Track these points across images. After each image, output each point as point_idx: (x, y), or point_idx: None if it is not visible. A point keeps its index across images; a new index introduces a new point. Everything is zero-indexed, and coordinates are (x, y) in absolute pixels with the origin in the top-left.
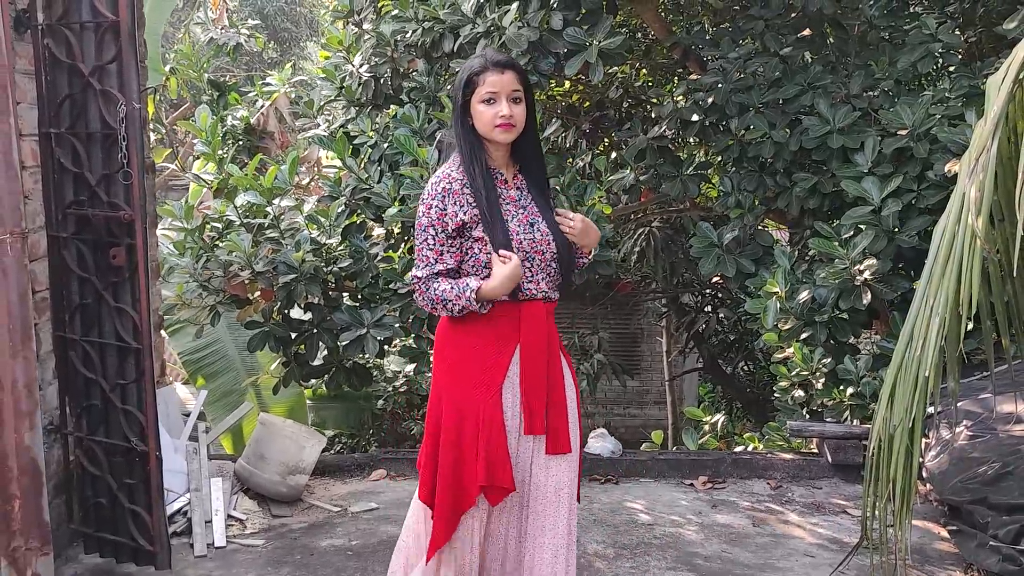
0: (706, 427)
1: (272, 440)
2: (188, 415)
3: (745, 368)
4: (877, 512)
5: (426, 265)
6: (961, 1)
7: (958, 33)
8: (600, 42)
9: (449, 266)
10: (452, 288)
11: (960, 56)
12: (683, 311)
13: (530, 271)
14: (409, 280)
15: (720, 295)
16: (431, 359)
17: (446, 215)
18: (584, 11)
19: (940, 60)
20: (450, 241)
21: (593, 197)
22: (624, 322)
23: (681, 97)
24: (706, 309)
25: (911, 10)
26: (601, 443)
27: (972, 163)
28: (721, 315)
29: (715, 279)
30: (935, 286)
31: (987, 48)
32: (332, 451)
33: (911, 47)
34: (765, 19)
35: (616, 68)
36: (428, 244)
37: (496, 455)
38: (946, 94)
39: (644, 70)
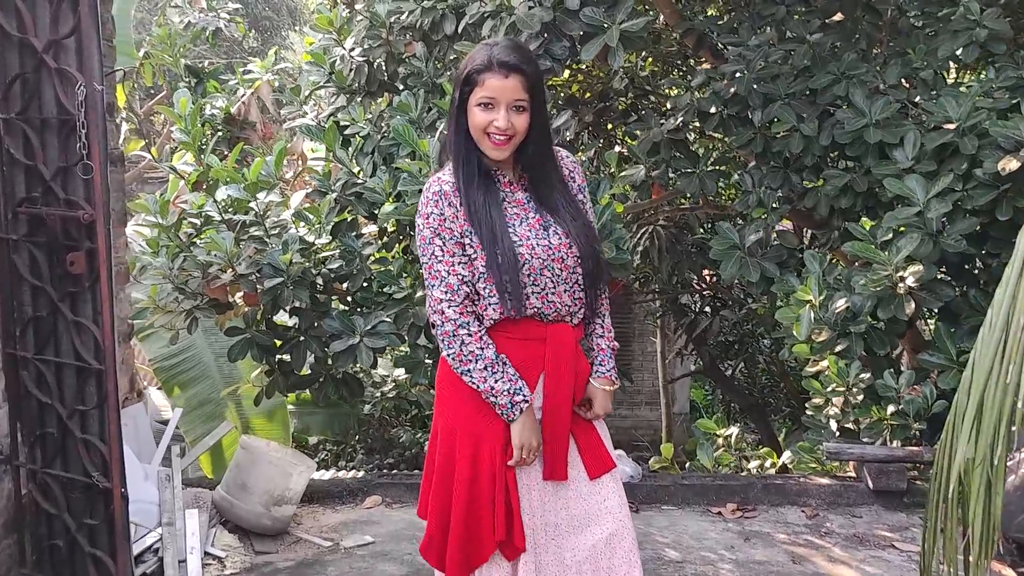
0: (719, 440)
1: (255, 467)
2: (165, 422)
3: (744, 371)
4: (940, 552)
5: (441, 282)
6: None
7: (1005, 20)
8: (621, 23)
9: (465, 278)
10: (498, 373)
11: (1006, 45)
12: (682, 312)
13: (551, 283)
14: (428, 311)
15: (720, 296)
16: (429, 370)
17: (446, 219)
18: None
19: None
20: (461, 250)
21: (606, 194)
22: (615, 322)
23: (699, 88)
24: (706, 310)
25: None
26: (619, 466)
27: None
28: (722, 316)
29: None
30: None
31: None
32: (319, 463)
33: (952, 34)
34: (786, 4)
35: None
36: (436, 257)
37: (513, 506)
38: (993, 85)
39: (650, 59)
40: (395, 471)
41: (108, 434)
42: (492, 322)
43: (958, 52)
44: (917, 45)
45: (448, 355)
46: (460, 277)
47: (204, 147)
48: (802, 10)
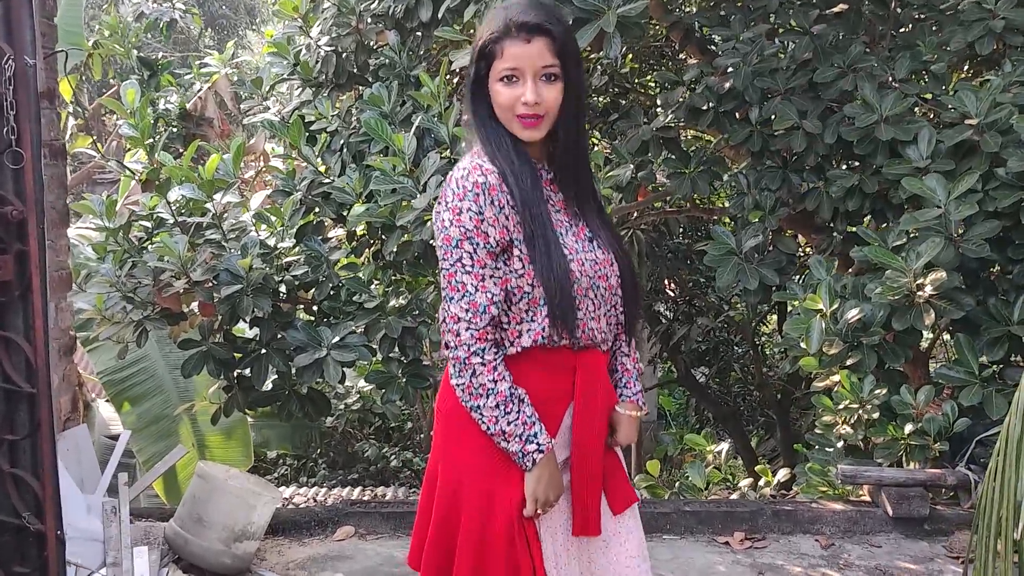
0: (709, 457)
1: (213, 498)
2: (115, 437)
3: (717, 380)
4: None
5: (464, 297)
6: None
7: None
8: (618, 8)
9: (495, 297)
10: (512, 414)
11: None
12: (656, 319)
13: (593, 305)
14: (441, 326)
15: (695, 303)
16: (402, 386)
17: (484, 220)
18: None
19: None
20: (494, 262)
21: None
22: None
23: (691, 83)
24: (680, 318)
25: None
26: None
27: None
28: (698, 323)
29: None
30: None
31: None
32: (278, 478)
33: (964, 25)
34: None
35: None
36: (464, 266)
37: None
38: (1014, 79)
39: (630, 56)
40: (371, 500)
41: (42, 468)
42: (520, 349)
43: (974, 43)
44: (927, 37)
45: (456, 385)
46: (489, 296)
47: (156, 143)
48: (798, 2)
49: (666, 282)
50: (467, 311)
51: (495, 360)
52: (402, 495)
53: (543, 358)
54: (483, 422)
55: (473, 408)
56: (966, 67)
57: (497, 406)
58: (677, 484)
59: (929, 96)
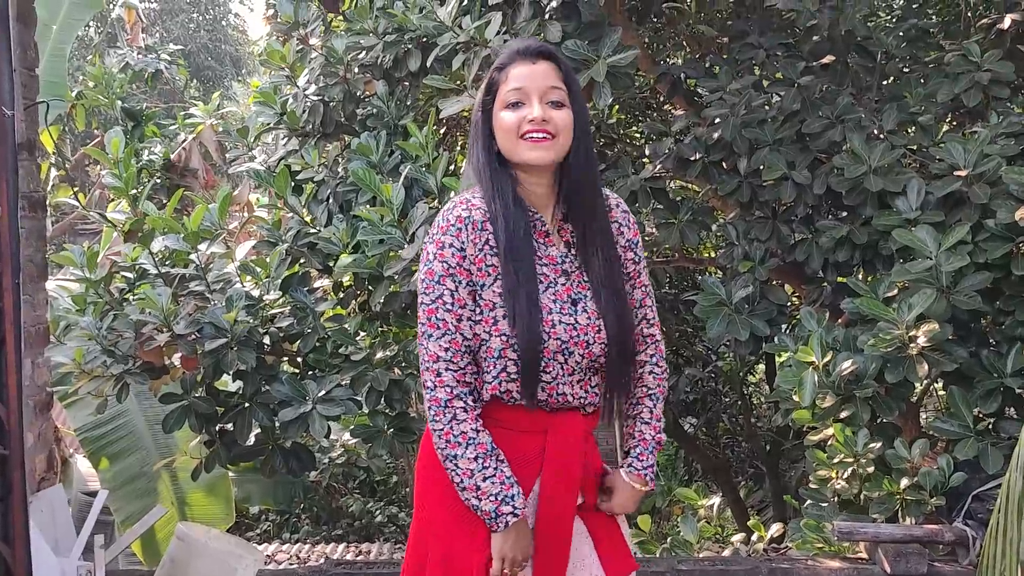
0: (701, 511)
1: (192, 561)
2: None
3: (705, 431)
4: None
5: (444, 336)
6: (988, 32)
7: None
8: (608, 58)
9: (468, 341)
10: (488, 470)
11: (1008, 88)
12: None
13: (563, 370)
14: (421, 365)
15: (683, 353)
16: (389, 440)
17: (466, 257)
18: (583, 23)
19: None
20: (473, 302)
21: None
22: None
23: (679, 133)
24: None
25: (934, 40)
26: None
27: None
28: (687, 373)
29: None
30: None
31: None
32: (260, 534)
33: (952, 77)
34: (766, 48)
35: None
36: (444, 303)
37: None
38: (1000, 130)
39: (616, 107)
40: (355, 560)
41: (13, 533)
42: (484, 400)
43: (961, 96)
44: (914, 89)
45: (435, 430)
46: (469, 336)
47: (140, 194)
48: (784, 54)
49: None
50: (447, 350)
51: (476, 407)
52: (387, 551)
53: (508, 416)
54: (457, 474)
55: (448, 457)
56: (952, 119)
57: (476, 458)
58: (668, 539)
59: (917, 147)
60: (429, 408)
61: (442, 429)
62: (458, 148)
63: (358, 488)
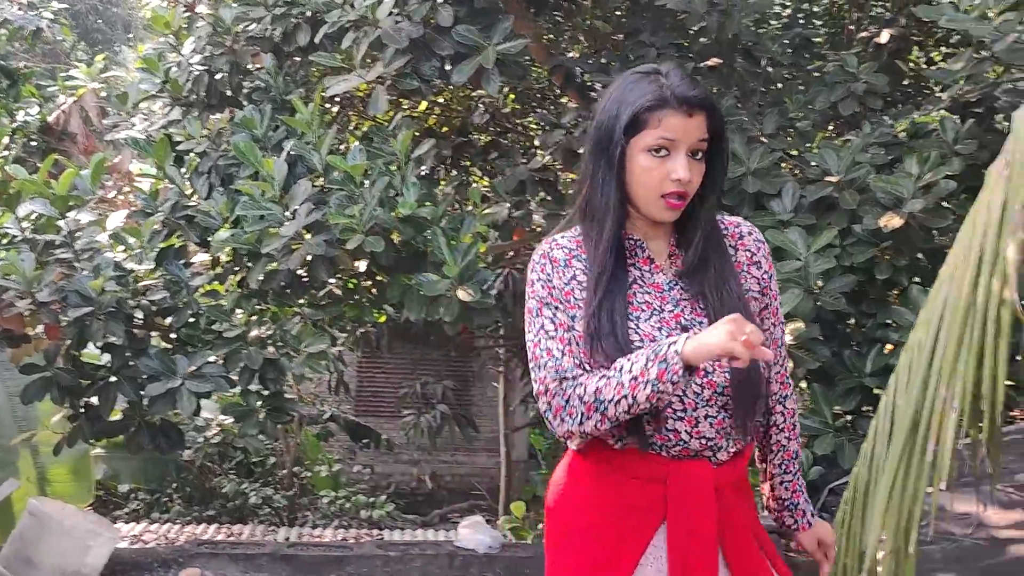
0: None
1: (44, 537)
2: None
3: None
4: None
5: (552, 363)
6: (867, 44)
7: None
8: (498, 45)
9: (585, 363)
10: (624, 362)
11: (882, 99)
12: None
13: (681, 406)
14: (537, 391)
15: None
16: (261, 419)
17: (556, 288)
18: (476, 9)
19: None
20: (574, 323)
21: (470, 232)
22: (455, 365)
23: (569, 126)
24: None
25: (817, 50)
26: (474, 535)
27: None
28: None
29: None
30: (948, 371)
31: (896, 95)
32: (129, 514)
33: (829, 86)
34: (658, 47)
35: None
36: (547, 333)
37: None
38: (872, 140)
39: (512, 96)
40: (221, 541)
41: None
42: (583, 444)
43: (837, 104)
44: (794, 96)
45: (583, 428)
46: (577, 362)
47: (6, 158)
48: (675, 54)
49: None
50: (556, 372)
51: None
52: (259, 533)
53: (620, 460)
54: (619, 408)
55: (604, 411)
56: (831, 127)
57: (609, 377)
58: (540, 525)
59: (795, 152)
60: (555, 423)
61: (580, 404)
62: (351, 127)
63: (234, 469)
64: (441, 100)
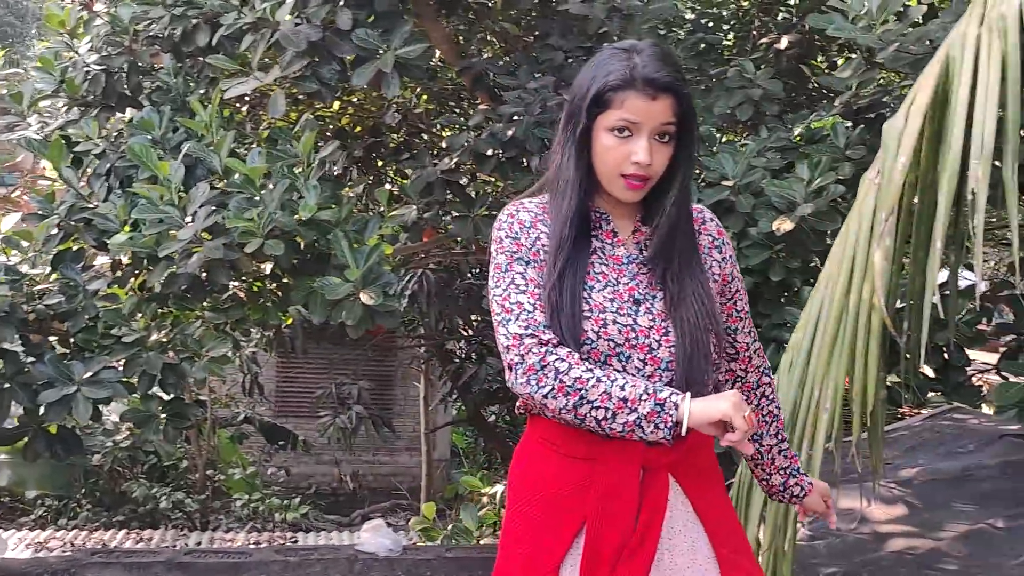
0: (484, 499)
1: None
2: None
3: (507, 419)
4: None
5: (519, 316)
6: (767, 50)
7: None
8: (397, 49)
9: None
10: (620, 377)
11: (778, 105)
12: (448, 358)
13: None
14: (504, 345)
15: (487, 343)
16: (162, 425)
17: (522, 244)
18: (377, 12)
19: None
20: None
21: (375, 234)
22: (377, 364)
23: (475, 128)
24: (472, 357)
25: (721, 55)
26: (375, 538)
27: (882, 223)
28: (488, 363)
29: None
30: (821, 372)
31: (797, 100)
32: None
33: (727, 91)
34: (565, 50)
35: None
36: (518, 287)
37: None
38: (767, 145)
39: (425, 96)
40: (114, 549)
41: None
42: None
43: (735, 109)
44: (695, 100)
45: (544, 396)
46: (545, 315)
47: None
48: (583, 58)
49: (460, 321)
50: (527, 327)
51: (574, 355)
52: (170, 539)
53: (557, 434)
54: (593, 414)
55: (577, 405)
56: (739, 131)
57: (600, 380)
58: (451, 527)
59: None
60: (524, 385)
61: (552, 389)
62: (262, 127)
63: (145, 473)
64: (355, 100)
